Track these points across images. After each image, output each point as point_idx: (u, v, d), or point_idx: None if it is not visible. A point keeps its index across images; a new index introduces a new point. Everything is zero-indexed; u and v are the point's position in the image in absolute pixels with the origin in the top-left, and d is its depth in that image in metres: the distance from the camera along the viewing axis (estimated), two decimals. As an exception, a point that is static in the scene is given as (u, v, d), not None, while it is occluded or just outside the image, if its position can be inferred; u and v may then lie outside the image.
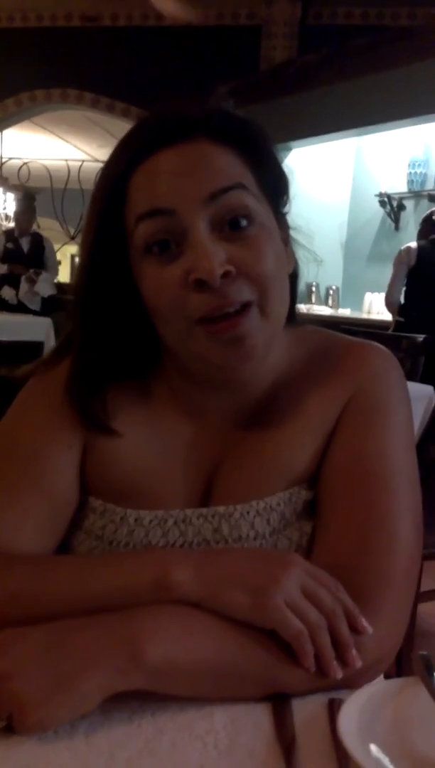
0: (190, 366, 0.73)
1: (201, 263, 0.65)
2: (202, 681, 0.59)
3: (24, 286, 5.86)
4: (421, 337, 3.07)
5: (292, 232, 0.78)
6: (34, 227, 6.35)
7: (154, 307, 0.69)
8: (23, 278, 5.85)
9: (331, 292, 6.28)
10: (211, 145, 0.68)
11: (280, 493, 0.75)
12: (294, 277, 0.78)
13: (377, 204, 6.06)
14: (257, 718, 0.58)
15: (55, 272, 6.26)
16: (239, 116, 0.73)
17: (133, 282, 0.71)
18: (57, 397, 0.76)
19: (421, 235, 4.62)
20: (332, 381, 0.77)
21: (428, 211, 4.80)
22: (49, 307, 5.86)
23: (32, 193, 6.64)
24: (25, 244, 6.01)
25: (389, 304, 4.82)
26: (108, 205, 0.70)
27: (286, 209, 0.77)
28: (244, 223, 0.68)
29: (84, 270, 0.73)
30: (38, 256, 6.01)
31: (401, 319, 4.59)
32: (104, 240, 0.71)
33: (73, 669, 0.55)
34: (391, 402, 0.76)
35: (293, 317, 0.81)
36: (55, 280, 6.25)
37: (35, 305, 5.88)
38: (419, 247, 4.54)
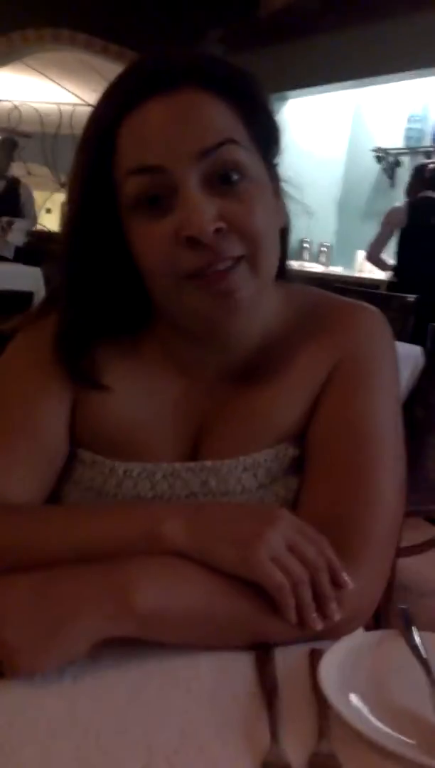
0: (179, 321, 0.73)
1: (192, 220, 0.64)
2: (189, 629, 0.60)
3: None
4: (411, 297, 3.07)
5: (283, 185, 0.76)
6: (23, 173, 6.14)
7: (143, 262, 0.69)
8: None
9: (323, 249, 6.22)
10: (200, 95, 0.66)
11: (267, 450, 0.76)
12: (285, 231, 0.77)
13: (373, 160, 5.97)
14: (241, 666, 0.60)
15: (33, 220, 5.97)
16: (230, 64, 0.71)
17: (121, 235, 0.70)
18: (45, 351, 0.76)
19: (411, 190, 4.45)
20: (322, 341, 0.77)
21: (419, 164, 4.68)
22: (26, 256, 5.68)
23: (12, 138, 6.39)
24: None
25: (372, 259, 4.76)
26: (95, 155, 0.68)
27: (277, 160, 0.75)
28: (235, 177, 0.66)
29: (71, 222, 0.72)
30: (13, 203, 5.70)
31: (395, 280, 4.56)
32: (92, 191, 0.69)
33: (63, 615, 0.56)
34: (379, 364, 0.77)
35: (284, 273, 0.81)
36: (36, 228, 6.02)
37: (8, 253, 5.57)
38: (410, 207, 4.38)
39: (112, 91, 0.69)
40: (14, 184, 5.83)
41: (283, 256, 0.79)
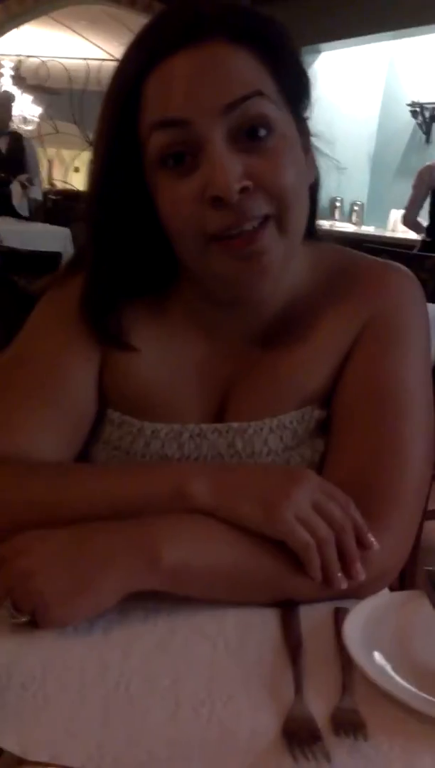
0: (205, 283, 0.73)
1: (217, 179, 0.63)
2: (214, 584, 0.62)
3: (18, 191, 5.44)
4: (445, 257, 3.01)
5: (314, 140, 0.74)
6: (51, 131, 6.05)
7: (168, 222, 0.68)
8: (16, 182, 5.42)
9: (355, 208, 6.11)
10: (228, 47, 0.65)
11: (293, 412, 0.76)
12: (315, 188, 0.76)
13: (408, 114, 5.82)
14: (266, 622, 0.61)
15: (39, 176, 5.82)
16: (259, 14, 0.69)
17: (147, 193, 0.69)
18: (72, 311, 0.76)
19: None
20: (350, 302, 0.76)
21: None
22: (54, 215, 5.58)
23: (8, 92, 6.15)
24: (2, 144, 5.50)
25: (408, 223, 4.74)
26: (120, 110, 0.67)
27: (307, 114, 0.73)
28: (262, 132, 0.65)
29: (96, 180, 0.71)
30: (17, 158, 5.52)
31: (429, 239, 4.49)
32: (117, 148, 0.68)
33: (93, 569, 0.58)
34: (408, 327, 0.76)
35: (313, 232, 0.79)
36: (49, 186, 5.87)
37: (25, 211, 5.50)
38: None
39: (137, 44, 0.68)
40: (17, 140, 5.63)
41: (313, 215, 0.78)
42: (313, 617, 0.62)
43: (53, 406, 0.76)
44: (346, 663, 0.55)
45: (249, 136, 0.65)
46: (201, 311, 0.78)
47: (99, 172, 0.71)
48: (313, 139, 0.74)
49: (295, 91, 0.70)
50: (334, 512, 0.62)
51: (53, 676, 0.53)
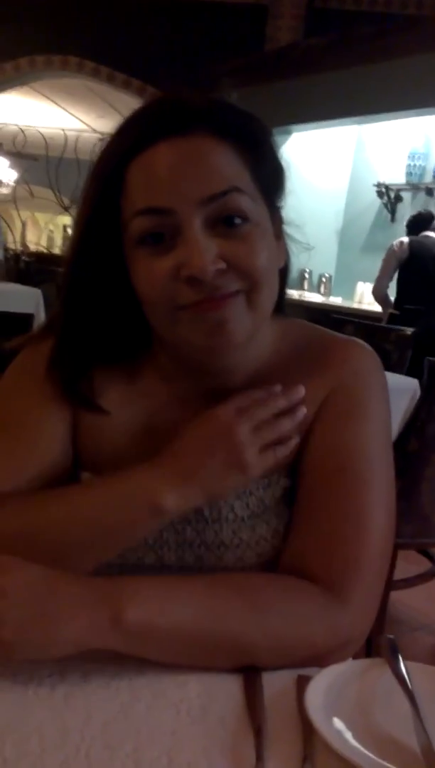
0: (176, 350, 0.75)
1: (194, 260, 0.66)
2: (176, 646, 0.62)
3: None
4: (409, 330, 3.10)
5: (285, 225, 0.79)
6: (26, 195, 6.18)
7: (143, 295, 0.71)
8: None
9: (323, 279, 6.28)
10: (210, 141, 0.68)
11: (259, 480, 0.77)
12: (284, 271, 0.80)
13: (374, 194, 6.06)
14: (229, 689, 0.61)
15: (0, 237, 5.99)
16: (241, 110, 0.73)
17: (123, 265, 0.72)
18: (44, 372, 0.78)
19: (411, 230, 4.71)
20: (314, 374, 0.79)
21: (415, 213, 4.89)
22: (26, 277, 5.62)
23: None
24: None
25: (377, 296, 4.91)
26: (104, 191, 0.70)
27: (281, 203, 0.77)
28: (238, 221, 0.69)
29: (75, 250, 0.74)
30: None
31: (396, 312, 4.64)
32: (98, 225, 0.72)
33: (56, 613, 0.58)
34: (370, 398, 0.78)
35: (281, 308, 0.83)
36: (10, 246, 5.96)
37: None
38: (411, 241, 4.62)
39: (125, 128, 0.71)
40: None
41: (282, 294, 0.81)
42: (275, 685, 0.62)
43: (19, 459, 0.76)
44: (307, 730, 0.55)
45: (225, 223, 0.68)
46: (173, 378, 0.80)
47: (78, 243, 0.74)
48: (286, 225, 0.78)
49: (271, 183, 0.74)
50: (262, 415, 0.71)
51: (12, 740, 0.52)
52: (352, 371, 0.79)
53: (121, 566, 0.73)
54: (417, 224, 4.74)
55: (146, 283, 0.70)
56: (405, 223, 4.94)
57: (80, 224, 0.73)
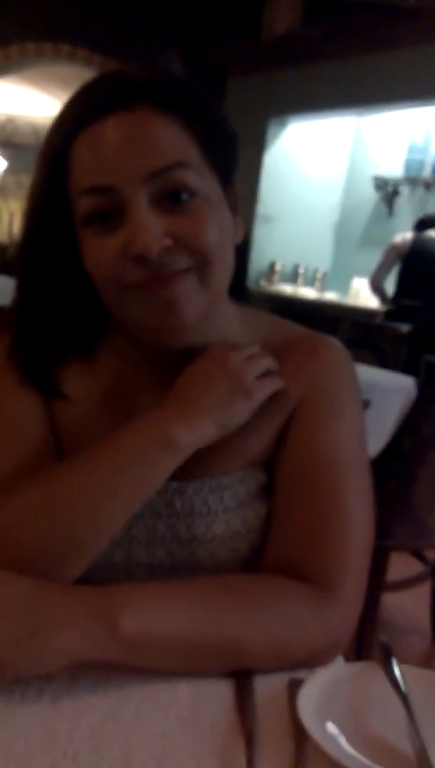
0: (130, 330, 0.74)
1: (139, 238, 0.65)
2: (173, 654, 0.61)
3: None
4: (405, 328, 3.09)
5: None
6: (16, 185, 6.13)
7: (92, 274, 0.70)
8: None
9: (318, 274, 6.26)
10: (154, 115, 0.67)
11: (234, 473, 0.77)
12: (244, 248, 0.79)
13: (372, 187, 6.02)
14: (220, 692, 0.60)
15: None
16: (187, 82, 0.71)
17: (76, 248, 0.70)
18: (5, 361, 0.77)
19: (418, 229, 4.72)
20: (289, 370, 0.78)
21: (423, 216, 4.89)
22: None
23: None
24: None
25: (374, 286, 4.90)
26: (51, 171, 0.69)
27: (234, 177, 0.76)
28: (185, 196, 0.67)
29: (26, 236, 0.73)
30: None
31: (392, 308, 4.64)
32: (47, 204, 0.70)
33: (48, 625, 0.57)
34: (343, 395, 0.78)
35: (243, 292, 0.82)
36: None
37: None
38: (415, 238, 4.61)
39: (69, 106, 0.70)
40: None
41: (243, 273, 0.80)
42: (267, 688, 0.61)
43: (4, 451, 0.75)
44: (299, 734, 0.54)
45: (171, 199, 0.67)
46: (135, 364, 0.79)
47: (30, 225, 0.73)
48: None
49: (222, 157, 0.72)
50: (247, 352, 0.75)
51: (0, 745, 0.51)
52: (326, 371, 0.79)
53: (90, 566, 0.70)
54: (424, 225, 4.76)
55: (94, 262, 0.69)
56: (405, 219, 4.94)
57: (31, 205, 0.72)
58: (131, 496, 0.69)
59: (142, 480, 0.69)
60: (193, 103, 0.70)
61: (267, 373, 0.75)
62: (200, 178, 0.68)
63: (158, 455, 0.68)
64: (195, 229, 0.67)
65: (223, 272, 0.71)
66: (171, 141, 0.67)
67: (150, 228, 0.65)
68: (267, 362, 0.75)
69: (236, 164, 0.76)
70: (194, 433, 0.69)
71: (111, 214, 0.67)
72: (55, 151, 0.68)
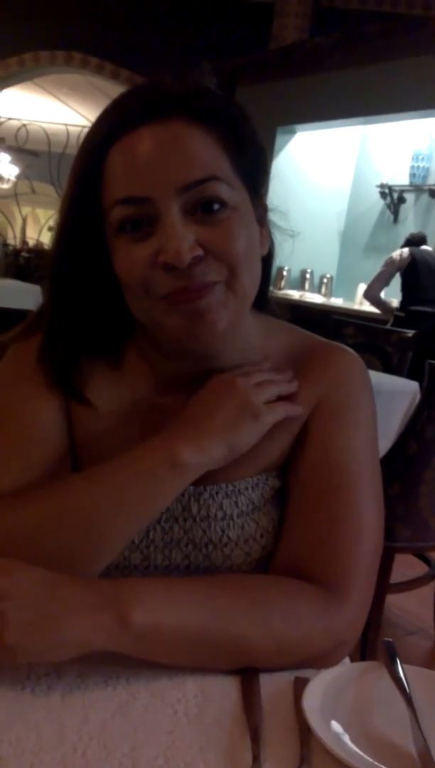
0: (158, 338, 0.75)
1: (170, 246, 0.66)
2: (180, 648, 0.62)
3: None
4: (410, 333, 3.10)
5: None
6: (27, 191, 6.18)
7: (123, 281, 0.71)
8: None
9: (324, 280, 6.27)
10: (188, 127, 0.68)
11: (248, 479, 0.78)
12: (268, 260, 0.79)
13: (378, 195, 6.05)
14: (227, 690, 0.61)
15: None
16: (219, 96, 0.73)
17: (106, 255, 0.72)
18: (34, 364, 0.78)
19: (407, 245, 4.95)
20: (307, 377, 0.79)
21: (408, 235, 5.06)
22: (27, 273, 5.62)
23: None
24: None
25: (369, 298, 5.00)
26: (85, 181, 0.70)
27: (264, 189, 0.77)
28: (216, 207, 0.68)
29: (59, 241, 0.74)
30: None
31: (401, 314, 4.68)
32: (79, 213, 0.71)
33: (59, 615, 0.58)
34: (357, 403, 0.79)
35: (266, 301, 0.83)
36: (10, 242, 5.93)
37: None
38: (413, 251, 4.81)
39: (104, 116, 0.71)
40: None
41: (266, 284, 0.81)
42: (272, 686, 0.62)
43: (23, 455, 0.76)
44: (304, 732, 0.55)
45: (203, 209, 0.68)
46: (160, 371, 0.79)
47: (62, 234, 0.74)
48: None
49: (252, 169, 0.73)
50: (258, 378, 0.75)
51: (9, 738, 0.52)
52: (339, 378, 0.80)
53: (108, 566, 0.72)
54: (410, 243, 4.96)
55: (125, 270, 0.70)
56: (410, 226, 5.03)
57: (64, 212, 0.73)
58: (136, 512, 0.70)
59: (147, 497, 0.70)
60: (226, 116, 0.71)
61: (280, 398, 0.76)
62: (231, 190, 0.69)
63: (165, 474, 0.69)
64: (225, 240, 0.68)
65: (251, 281, 0.72)
66: (204, 153, 0.68)
67: (181, 237, 0.66)
68: (279, 388, 0.76)
69: (265, 177, 0.77)
70: (201, 454, 0.70)
71: (143, 222, 0.68)
72: (89, 162, 0.69)
